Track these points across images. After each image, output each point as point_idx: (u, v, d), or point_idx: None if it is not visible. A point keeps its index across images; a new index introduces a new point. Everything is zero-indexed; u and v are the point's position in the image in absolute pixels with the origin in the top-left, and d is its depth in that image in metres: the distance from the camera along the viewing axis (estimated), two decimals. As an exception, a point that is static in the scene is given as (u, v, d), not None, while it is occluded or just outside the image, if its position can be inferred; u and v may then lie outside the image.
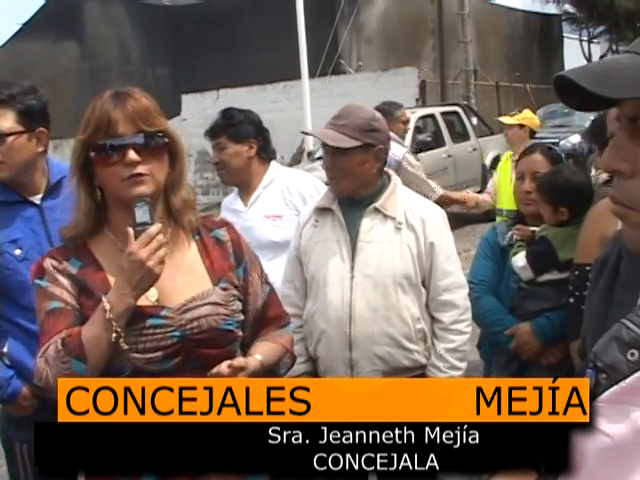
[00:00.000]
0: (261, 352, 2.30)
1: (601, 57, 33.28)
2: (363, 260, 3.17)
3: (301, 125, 16.28)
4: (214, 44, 25.63)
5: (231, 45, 25.20)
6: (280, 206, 3.93)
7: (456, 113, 16.48)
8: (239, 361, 2.17)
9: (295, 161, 15.49)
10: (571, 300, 3.02)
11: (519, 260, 3.42)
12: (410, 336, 3.18)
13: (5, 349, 3.13)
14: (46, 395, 2.12)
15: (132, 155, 2.13)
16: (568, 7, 34.55)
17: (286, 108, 15.62)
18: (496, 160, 15.92)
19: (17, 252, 2.98)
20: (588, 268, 1.73)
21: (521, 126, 7.05)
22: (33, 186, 3.08)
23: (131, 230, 2.10)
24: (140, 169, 2.14)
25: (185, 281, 2.24)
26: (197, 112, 23.34)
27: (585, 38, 34.24)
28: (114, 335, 2.06)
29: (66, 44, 30.39)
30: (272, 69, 21.93)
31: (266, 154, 4.03)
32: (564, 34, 36.16)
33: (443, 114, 16.05)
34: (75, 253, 2.20)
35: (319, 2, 22.06)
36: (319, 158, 15.26)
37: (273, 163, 4.08)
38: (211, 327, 2.20)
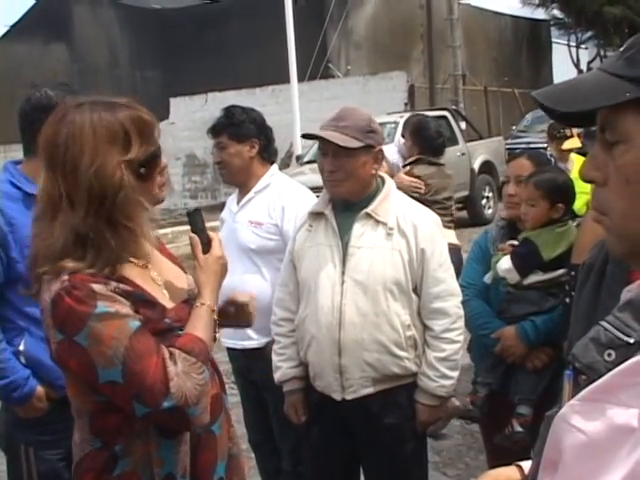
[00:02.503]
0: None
1: (589, 62, 33.52)
2: (354, 265, 3.15)
3: (290, 129, 16.29)
4: (203, 47, 25.66)
5: (220, 49, 25.22)
6: (263, 214, 3.87)
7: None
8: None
9: (284, 165, 15.50)
10: (567, 300, 3.04)
11: (504, 263, 3.44)
12: (400, 343, 3.15)
13: (21, 347, 3.10)
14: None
15: (165, 160, 2.16)
16: (557, 12, 34.65)
17: (275, 112, 15.61)
18: (485, 165, 16.04)
19: None
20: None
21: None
22: None
23: (197, 237, 2.23)
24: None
25: (171, 273, 2.29)
26: (185, 115, 23.35)
27: (573, 43, 34.36)
28: (217, 335, 2.16)
29: (55, 46, 30.32)
30: (261, 73, 21.98)
31: (267, 154, 3.98)
32: (553, 39, 36.33)
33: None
34: (98, 274, 2.00)
35: (308, 6, 22.12)
36: (308, 162, 15.28)
37: (273, 168, 4.03)
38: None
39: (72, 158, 1.96)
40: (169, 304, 2.15)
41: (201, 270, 2.19)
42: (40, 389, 3.10)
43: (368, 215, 3.18)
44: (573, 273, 3.05)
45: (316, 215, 3.31)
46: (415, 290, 3.19)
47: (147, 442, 2.04)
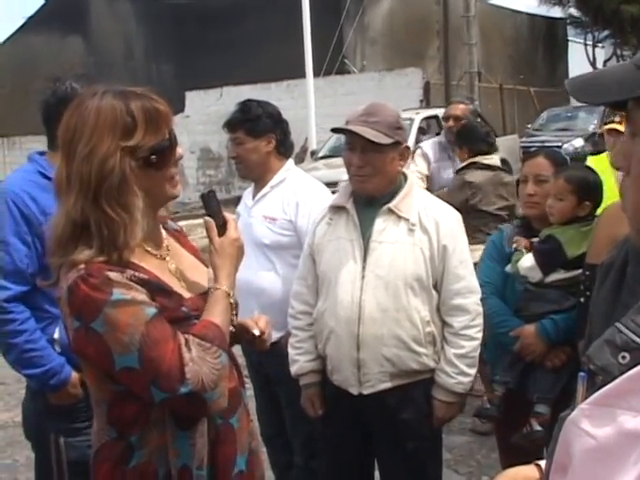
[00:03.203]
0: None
1: (605, 61, 33.36)
2: (375, 260, 3.15)
3: (305, 124, 16.28)
4: (219, 41, 25.67)
5: (235, 43, 25.24)
6: (277, 209, 3.85)
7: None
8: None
9: (298, 160, 15.48)
10: (582, 300, 3.03)
11: (526, 261, 3.43)
12: (419, 339, 3.15)
13: (56, 335, 3.15)
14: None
15: (180, 152, 2.12)
16: (573, 11, 34.52)
17: (290, 107, 15.61)
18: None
19: None
20: (600, 269, 1.75)
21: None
22: None
23: (211, 220, 2.17)
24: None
25: (191, 266, 2.27)
26: (201, 109, 23.39)
27: (590, 42, 34.23)
28: (235, 319, 2.14)
29: (71, 39, 30.43)
30: (276, 67, 21.97)
31: (284, 149, 3.95)
32: (569, 38, 36.23)
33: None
34: (112, 263, 1.99)
35: (325, 2, 22.08)
36: (322, 157, 15.28)
37: (289, 163, 4.00)
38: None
39: (73, 141, 1.99)
40: (186, 295, 2.14)
41: (216, 254, 2.16)
42: (75, 375, 3.15)
43: (390, 210, 3.18)
44: (588, 273, 3.05)
45: (337, 209, 3.30)
46: (435, 286, 3.19)
47: (163, 433, 2.04)
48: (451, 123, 6.46)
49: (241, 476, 2.18)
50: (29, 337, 3.11)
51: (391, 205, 3.18)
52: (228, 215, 2.23)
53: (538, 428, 3.30)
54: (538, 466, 1.42)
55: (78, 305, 1.94)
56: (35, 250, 3.09)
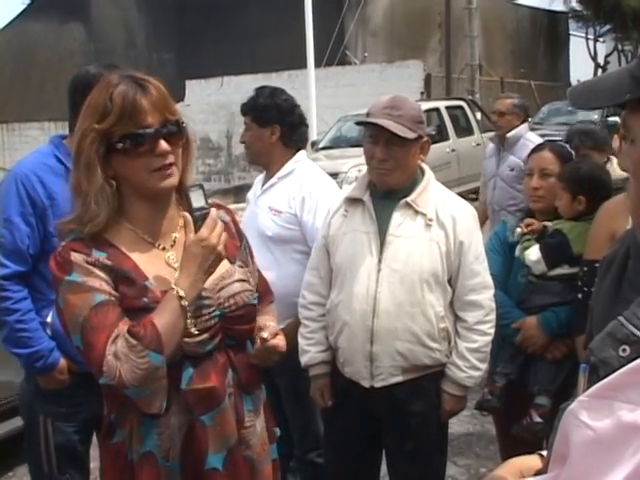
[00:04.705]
0: (273, 321, 2.43)
1: (606, 56, 33.36)
2: (391, 254, 3.13)
3: (306, 115, 16.23)
4: (220, 31, 25.65)
5: (237, 32, 25.20)
6: (283, 202, 3.81)
7: (461, 108, 16.49)
8: (270, 329, 2.32)
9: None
10: (579, 295, 3.04)
11: (532, 254, 3.43)
12: (433, 334, 3.15)
13: (49, 319, 3.18)
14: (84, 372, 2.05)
15: (164, 146, 2.08)
16: (575, 5, 34.53)
17: (290, 97, 15.66)
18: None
19: None
20: (597, 265, 1.76)
21: None
22: None
23: (189, 216, 2.11)
24: (170, 159, 2.11)
25: None
26: (201, 98, 23.35)
27: (591, 36, 34.21)
28: (189, 322, 2.08)
29: (71, 26, 30.35)
30: (277, 58, 21.95)
31: (291, 141, 3.90)
32: (570, 32, 36.18)
33: (448, 108, 16.06)
34: (94, 245, 2.07)
35: (326, -8, 22.06)
36: (323, 148, 15.27)
37: (299, 154, 3.95)
38: (245, 303, 2.25)
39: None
40: (164, 287, 2.10)
41: (184, 252, 2.11)
42: (63, 362, 3.19)
43: (408, 205, 3.17)
44: (586, 268, 3.06)
45: (352, 201, 3.28)
46: (449, 281, 3.19)
47: (133, 418, 2.08)
48: (495, 118, 6.68)
49: (215, 474, 2.15)
50: (21, 317, 3.16)
51: (409, 199, 3.16)
52: (212, 213, 2.13)
53: (538, 420, 3.30)
54: (541, 456, 1.43)
55: (51, 278, 2.10)
56: (38, 232, 3.15)
